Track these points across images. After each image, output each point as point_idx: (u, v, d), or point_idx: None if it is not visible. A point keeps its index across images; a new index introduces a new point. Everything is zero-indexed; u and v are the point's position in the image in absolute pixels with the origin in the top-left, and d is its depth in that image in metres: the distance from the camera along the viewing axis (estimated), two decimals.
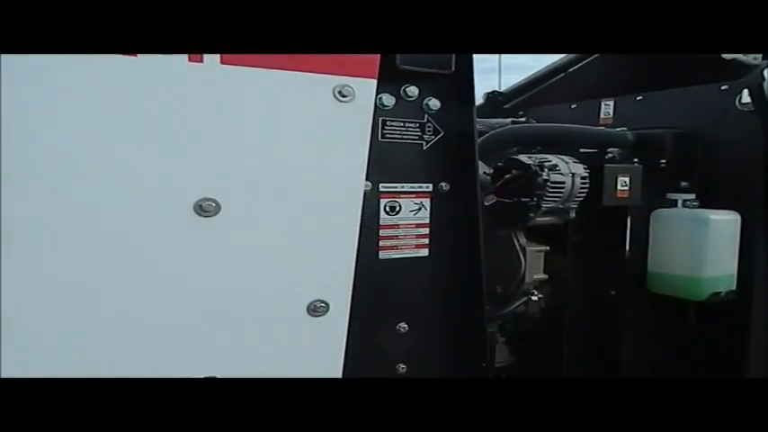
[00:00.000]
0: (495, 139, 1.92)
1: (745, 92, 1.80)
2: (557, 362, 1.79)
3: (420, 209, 1.25)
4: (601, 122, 2.29)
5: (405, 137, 1.21)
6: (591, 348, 1.83)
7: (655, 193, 1.89)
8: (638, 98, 2.16)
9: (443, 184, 1.26)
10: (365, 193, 1.16)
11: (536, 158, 1.63)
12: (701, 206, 1.88)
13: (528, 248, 1.72)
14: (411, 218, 1.24)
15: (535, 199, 1.61)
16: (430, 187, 1.25)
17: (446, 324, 1.31)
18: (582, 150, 1.91)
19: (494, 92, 2.86)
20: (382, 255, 1.22)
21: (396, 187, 1.21)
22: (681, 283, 1.78)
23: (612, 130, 2.02)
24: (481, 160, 1.80)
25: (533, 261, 1.73)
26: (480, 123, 2.18)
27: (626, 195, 1.71)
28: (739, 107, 1.84)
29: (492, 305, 1.78)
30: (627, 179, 1.70)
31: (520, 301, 1.74)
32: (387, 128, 1.19)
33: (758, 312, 1.80)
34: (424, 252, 1.27)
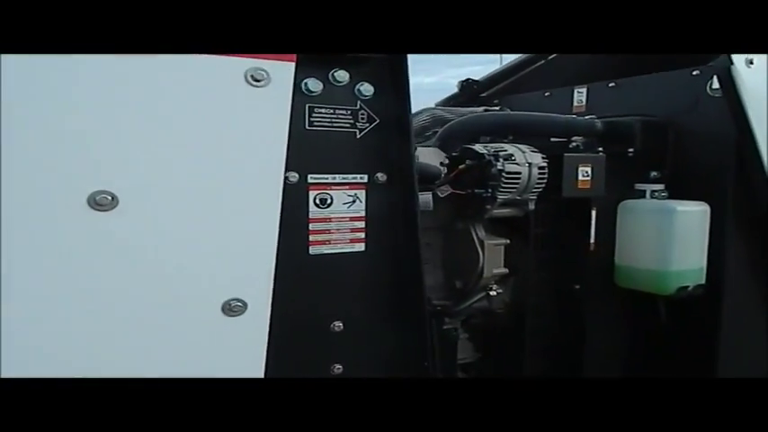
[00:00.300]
0: (456, 128, 1.85)
1: (716, 77, 1.73)
2: (520, 358, 1.73)
3: (354, 201, 1.18)
4: (574, 110, 2.22)
5: (335, 125, 1.14)
6: (555, 344, 1.77)
7: (624, 184, 1.83)
8: (610, 85, 2.09)
9: (380, 174, 1.20)
10: (292, 185, 1.10)
11: (491, 148, 1.55)
12: (671, 197, 1.81)
13: (486, 242, 1.66)
14: (345, 211, 1.17)
15: (490, 190, 1.54)
16: (365, 178, 1.18)
17: (385, 322, 1.24)
18: (553, 140, 1.84)
19: (468, 80, 2.78)
20: (313, 250, 1.15)
21: (326, 178, 1.15)
22: (647, 277, 1.72)
23: (580, 117, 1.95)
24: (442, 150, 1.74)
25: (492, 255, 1.66)
26: (450, 112, 2.12)
27: (588, 186, 1.63)
28: (710, 93, 1.77)
29: (452, 301, 1.72)
30: (588, 169, 1.63)
31: (477, 297, 1.67)
32: (315, 115, 1.12)
33: (729, 307, 1.73)
34: (360, 247, 1.20)
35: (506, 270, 1.70)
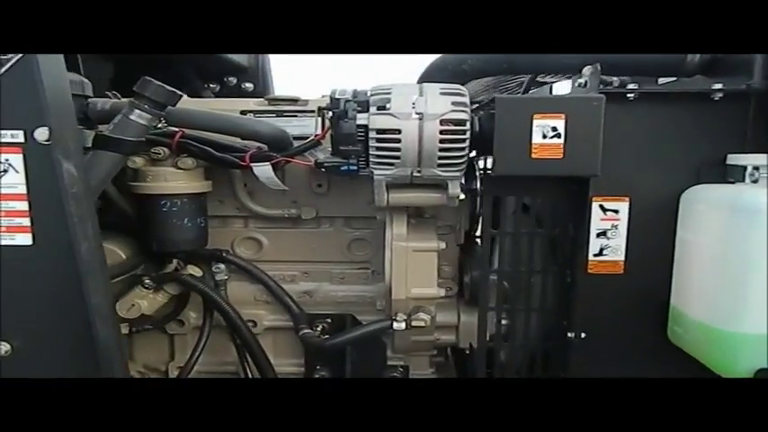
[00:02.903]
0: (438, 65, 1.23)
1: None
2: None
3: (5, 171, 0.80)
4: None
5: None
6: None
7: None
8: None
9: (41, 130, 0.78)
10: None
11: (366, 91, 0.94)
12: None
13: (396, 244, 1.04)
14: None
15: (353, 160, 0.94)
16: (20, 135, 0.79)
17: (67, 341, 0.83)
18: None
19: None
20: None
21: None
22: (699, 338, 0.87)
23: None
24: None
25: (406, 264, 1.03)
26: None
27: (558, 155, 0.87)
28: None
29: None
30: (558, 123, 0.86)
31: (372, 327, 1.07)
32: None
33: None
34: (25, 239, 0.81)
35: (436, 291, 1.05)
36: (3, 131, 0.78)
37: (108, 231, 1.18)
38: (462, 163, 0.92)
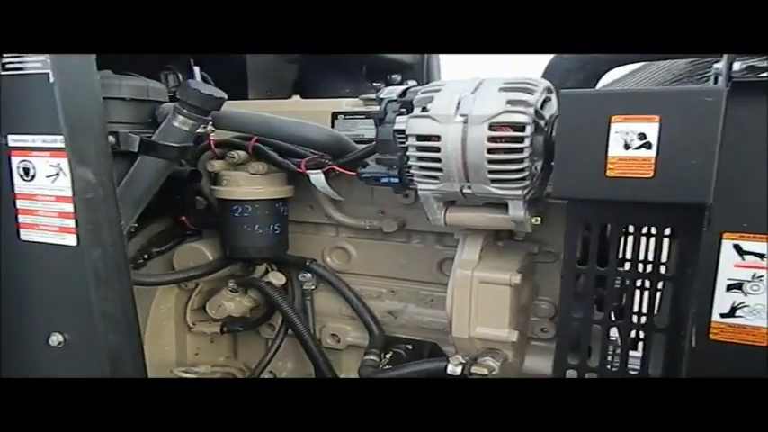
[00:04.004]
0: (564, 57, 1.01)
1: None
2: None
3: (58, 174, 0.83)
4: None
5: (29, 65, 0.83)
6: None
7: None
8: None
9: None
10: None
11: (426, 86, 0.77)
12: None
13: (460, 271, 0.86)
14: (49, 186, 0.85)
15: (395, 172, 0.79)
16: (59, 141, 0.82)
17: (84, 344, 0.85)
18: None
19: None
20: (24, 234, 0.88)
21: (26, 141, 0.85)
22: None
23: None
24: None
25: (470, 297, 0.85)
26: None
27: (647, 173, 0.62)
28: None
29: None
30: (650, 128, 0.61)
31: (425, 366, 0.90)
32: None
33: None
34: (71, 239, 0.84)
35: (507, 334, 0.84)
36: (54, 136, 0.82)
37: (209, 231, 1.23)
38: (523, 178, 0.71)
